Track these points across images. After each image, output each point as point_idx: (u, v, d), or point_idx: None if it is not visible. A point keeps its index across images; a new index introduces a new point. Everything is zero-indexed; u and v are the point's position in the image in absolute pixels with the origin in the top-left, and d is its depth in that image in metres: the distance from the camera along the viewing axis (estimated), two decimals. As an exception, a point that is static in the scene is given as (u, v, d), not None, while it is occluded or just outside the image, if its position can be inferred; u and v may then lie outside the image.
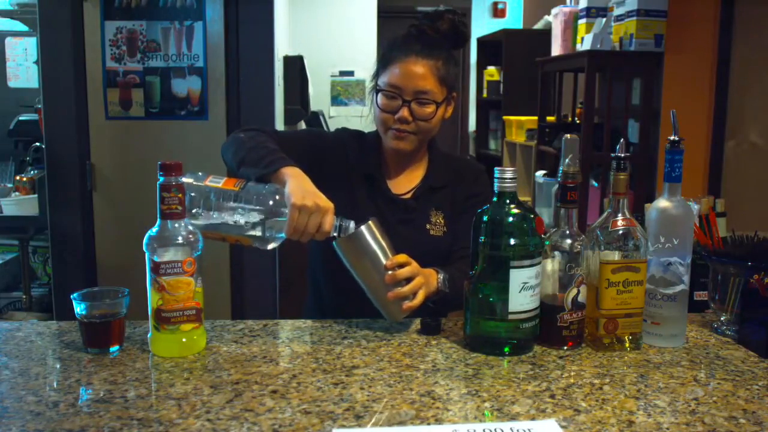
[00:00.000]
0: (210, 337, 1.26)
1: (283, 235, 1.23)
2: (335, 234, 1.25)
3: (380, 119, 1.50)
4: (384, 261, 1.26)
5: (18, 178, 3.32)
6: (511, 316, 1.18)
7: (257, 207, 1.23)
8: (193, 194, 1.22)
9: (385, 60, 1.50)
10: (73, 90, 2.97)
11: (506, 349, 1.19)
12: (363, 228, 1.25)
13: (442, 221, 1.54)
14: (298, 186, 1.24)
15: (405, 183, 1.58)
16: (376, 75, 1.53)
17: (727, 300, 1.31)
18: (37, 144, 3.32)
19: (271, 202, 1.23)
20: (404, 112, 1.46)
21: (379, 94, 1.49)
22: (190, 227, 1.18)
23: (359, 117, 4.81)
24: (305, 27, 4.58)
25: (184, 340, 1.18)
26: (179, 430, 0.91)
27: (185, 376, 1.09)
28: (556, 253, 1.21)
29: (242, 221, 1.22)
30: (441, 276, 1.38)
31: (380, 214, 1.46)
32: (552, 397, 1.03)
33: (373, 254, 1.26)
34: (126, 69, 2.98)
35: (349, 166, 1.55)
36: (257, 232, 1.23)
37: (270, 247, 1.25)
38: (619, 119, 3.11)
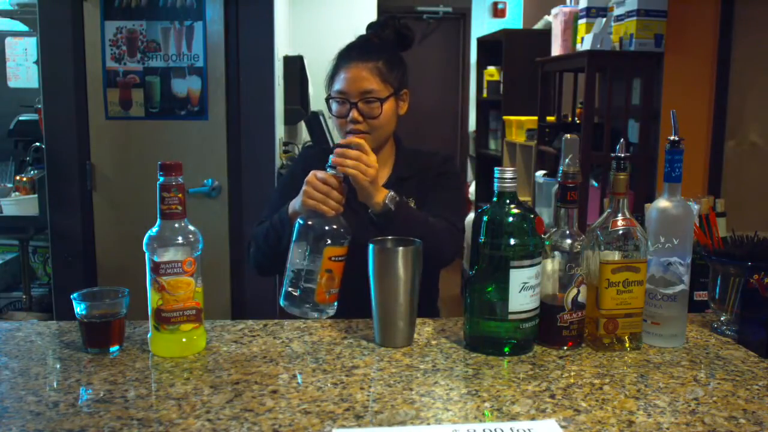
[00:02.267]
0: (210, 337, 1.26)
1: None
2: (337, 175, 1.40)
3: (337, 124, 1.63)
4: (411, 288, 1.23)
5: (18, 178, 3.32)
6: (511, 316, 1.18)
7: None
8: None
9: (333, 71, 1.64)
10: (73, 90, 2.97)
11: (506, 349, 1.19)
12: (417, 246, 1.23)
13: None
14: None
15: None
16: (328, 88, 1.65)
17: (727, 300, 1.31)
18: (37, 144, 3.32)
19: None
20: (354, 114, 1.57)
21: (332, 103, 1.62)
22: (191, 227, 1.18)
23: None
24: (305, 27, 4.57)
25: (184, 340, 1.18)
26: (179, 430, 0.91)
27: (185, 376, 1.09)
28: (556, 253, 1.21)
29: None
30: (390, 193, 1.46)
31: (354, 214, 1.49)
32: (552, 397, 1.03)
33: (407, 276, 1.22)
34: (126, 69, 2.98)
35: None
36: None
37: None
38: (619, 119, 3.10)
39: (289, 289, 1.34)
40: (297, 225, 1.36)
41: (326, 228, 1.34)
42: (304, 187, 1.40)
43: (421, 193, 1.64)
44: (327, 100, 1.64)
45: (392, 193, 1.47)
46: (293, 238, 1.36)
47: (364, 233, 1.37)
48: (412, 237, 1.28)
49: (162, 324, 1.16)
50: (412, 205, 1.61)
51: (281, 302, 1.35)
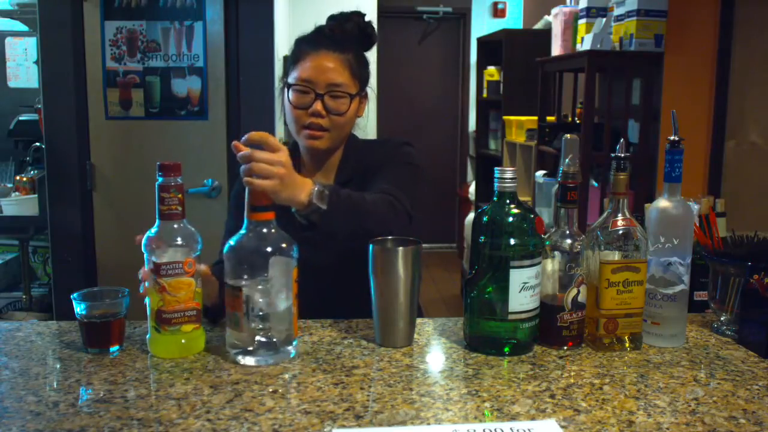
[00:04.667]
0: (210, 337, 1.26)
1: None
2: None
3: (293, 117, 1.46)
4: (411, 288, 1.22)
5: (18, 178, 3.32)
6: (511, 316, 1.18)
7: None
8: None
9: (294, 56, 1.49)
10: (73, 90, 2.96)
11: (506, 349, 1.19)
12: (417, 247, 1.22)
13: None
14: None
15: (322, 180, 1.38)
16: (286, 73, 1.51)
17: (727, 300, 1.31)
18: (37, 144, 3.32)
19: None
20: (317, 106, 1.43)
21: (290, 91, 1.46)
22: (190, 227, 1.18)
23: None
24: (305, 27, 4.58)
25: (183, 341, 1.18)
26: (179, 430, 0.91)
27: (185, 376, 1.09)
28: (556, 253, 1.21)
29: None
30: (316, 188, 1.22)
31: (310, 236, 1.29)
32: (552, 397, 1.03)
33: (407, 276, 1.21)
34: (126, 69, 2.98)
35: None
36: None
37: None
38: (619, 119, 3.11)
39: None
40: None
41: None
42: None
43: (368, 186, 1.44)
44: (284, 87, 1.49)
45: (318, 187, 1.23)
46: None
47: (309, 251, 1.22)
48: (353, 226, 1.23)
49: (163, 325, 1.16)
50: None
51: None
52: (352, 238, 1.28)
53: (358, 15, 1.54)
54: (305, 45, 1.49)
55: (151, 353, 1.18)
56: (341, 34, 1.50)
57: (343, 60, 1.46)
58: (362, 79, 1.51)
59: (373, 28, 1.56)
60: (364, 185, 1.46)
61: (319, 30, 1.52)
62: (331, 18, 1.54)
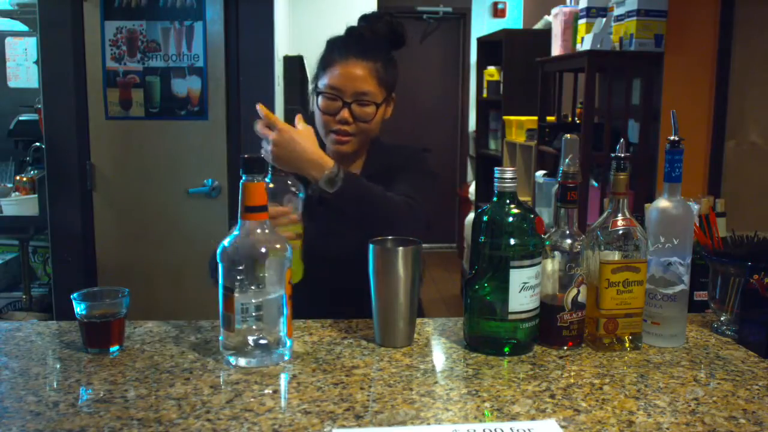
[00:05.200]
0: (210, 337, 1.26)
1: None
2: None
3: (321, 121, 1.53)
4: (411, 288, 1.22)
5: (18, 178, 3.32)
6: (511, 316, 1.18)
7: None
8: None
9: (324, 62, 1.54)
10: (73, 90, 2.96)
11: (506, 349, 1.19)
12: (417, 246, 1.22)
13: None
14: None
15: None
16: (316, 78, 1.56)
17: (727, 300, 1.31)
18: (37, 144, 3.32)
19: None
20: (345, 114, 1.49)
21: (320, 97, 1.51)
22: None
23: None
24: (305, 27, 4.58)
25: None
26: (179, 430, 0.91)
27: (185, 376, 1.09)
28: (556, 253, 1.21)
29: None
30: (329, 172, 1.34)
31: (324, 214, 1.42)
32: (552, 397, 1.03)
33: (407, 276, 1.21)
34: (126, 69, 2.98)
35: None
36: None
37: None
38: (619, 119, 3.10)
39: None
40: None
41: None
42: None
43: (390, 188, 1.51)
44: (313, 92, 1.55)
45: (331, 171, 1.35)
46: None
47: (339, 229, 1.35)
48: (364, 214, 1.30)
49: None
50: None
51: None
52: (364, 225, 1.34)
53: (390, 15, 1.58)
54: (335, 52, 1.52)
55: (150, 353, 1.18)
56: (372, 35, 1.54)
57: (371, 69, 1.50)
58: (389, 86, 1.55)
59: (403, 26, 1.60)
60: (385, 187, 1.49)
61: (350, 32, 1.56)
62: (363, 18, 1.58)
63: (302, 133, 1.38)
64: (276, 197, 1.31)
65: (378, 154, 1.62)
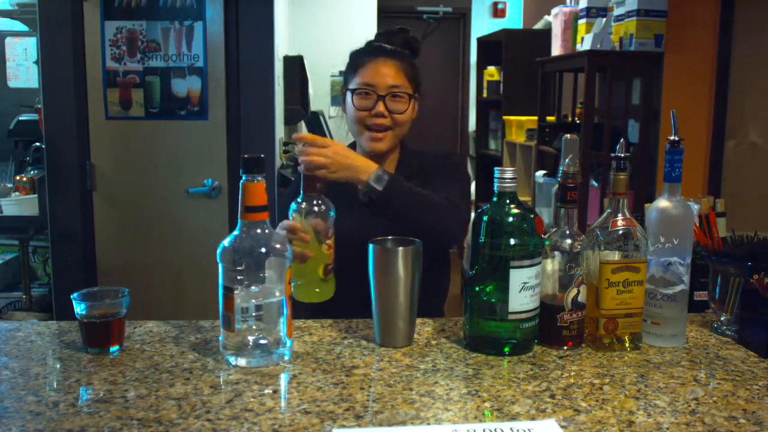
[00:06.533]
0: (210, 337, 1.26)
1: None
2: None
3: (356, 119, 1.59)
4: (411, 288, 1.22)
5: (18, 178, 3.32)
6: (511, 316, 1.18)
7: None
8: None
9: (353, 65, 1.63)
10: (73, 90, 2.97)
11: (506, 349, 1.19)
12: (417, 246, 1.22)
13: None
14: None
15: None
16: (346, 81, 1.64)
17: (727, 300, 1.31)
18: (37, 144, 3.33)
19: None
20: (380, 107, 1.56)
21: (354, 95, 1.59)
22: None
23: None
24: (305, 27, 4.58)
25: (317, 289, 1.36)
26: (179, 430, 0.91)
27: (185, 376, 1.09)
28: (556, 253, 1.21)
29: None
30: (376, 172, 1.40)
31: (362, 218, 1.45)
32: (552, 397, 1.03)
33: (407, 276, 1.21)
34: (126, 69, 2.98)
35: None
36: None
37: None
38: (619, 119, 3.11)
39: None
40: None
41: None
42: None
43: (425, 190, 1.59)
44: (346, 93, 1.62)
45: (379, 171, 1.41)
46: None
47: (361, 227, 1.37)
48: (409, 212, 1.33)
49: (329, 275, 1.35)
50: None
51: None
52: (408, 225, 1.40)
53: (404, 31, 1.69)
54: (363, 55, 1.62)
55: (150, 353, 1.18)
56: (391, 48, 1.64)
57: (400, 65, 1.60)
58: (416, 83, 1.63)
59: (418, 41, 1.71)
60: (422, 186, 1.55)
61: (371, 43, 1.66)
62: (380, 34, 1.69)
63: (342, 144, 1.47)
64: (309, 216, 1.34)
65: (409, 157, 1.68)
